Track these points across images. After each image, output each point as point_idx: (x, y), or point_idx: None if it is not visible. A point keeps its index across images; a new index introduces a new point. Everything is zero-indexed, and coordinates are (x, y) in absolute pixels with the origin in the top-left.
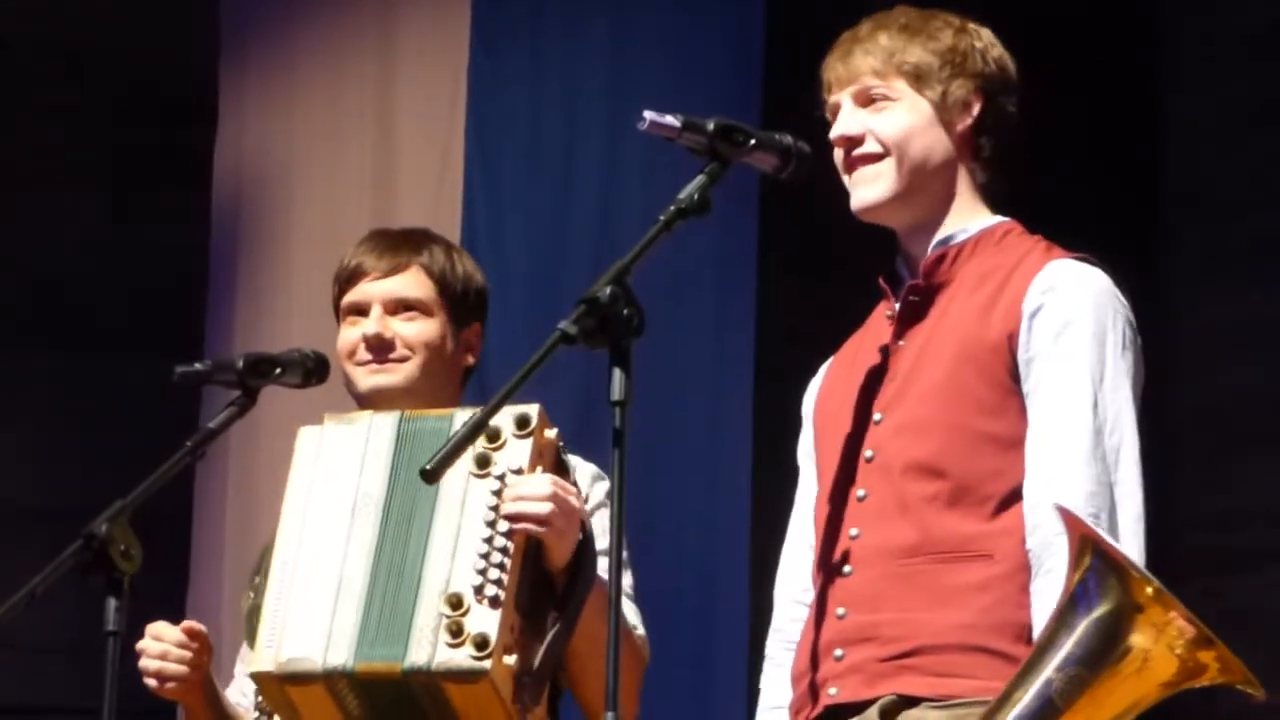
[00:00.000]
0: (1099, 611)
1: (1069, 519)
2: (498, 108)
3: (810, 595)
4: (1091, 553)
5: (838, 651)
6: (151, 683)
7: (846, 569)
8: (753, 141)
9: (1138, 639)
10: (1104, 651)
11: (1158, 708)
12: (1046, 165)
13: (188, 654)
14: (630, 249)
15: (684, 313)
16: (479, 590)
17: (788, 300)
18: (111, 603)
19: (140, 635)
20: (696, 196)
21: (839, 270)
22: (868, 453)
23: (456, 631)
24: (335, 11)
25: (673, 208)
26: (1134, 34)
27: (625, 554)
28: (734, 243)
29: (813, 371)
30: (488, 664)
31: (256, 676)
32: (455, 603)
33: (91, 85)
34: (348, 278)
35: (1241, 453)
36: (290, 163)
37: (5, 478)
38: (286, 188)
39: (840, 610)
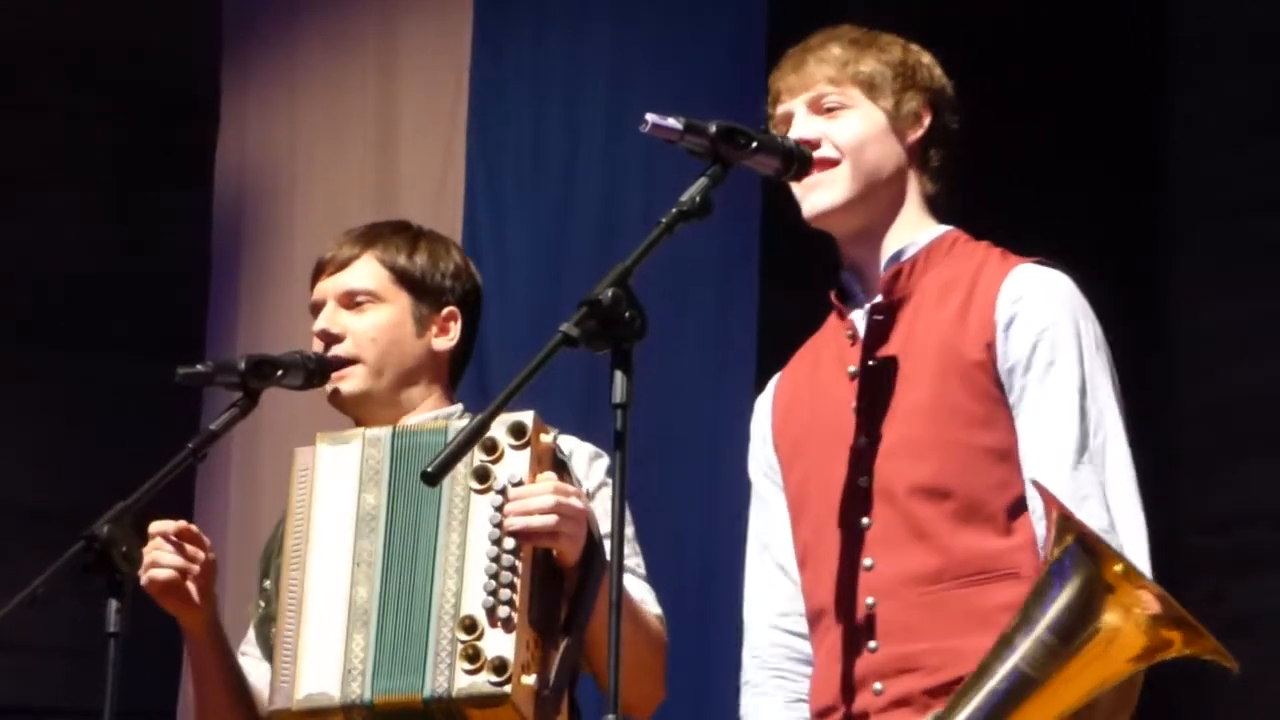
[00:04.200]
0: (1072, 589)
1: (1047, 498)
2: (500, 108)
3: (792, 620)
4: (1070, 532)
5: (877, 685)
6: (148, 575)
7: (869, 600)
8: (754, 144)
9: (1109, 617)
10: (1077, 627)
11: (1159, 707)
12: (1050, 167)
13: (185, 550)
14: (631, 251)
15: (686, 314)
16: (491, 612)
17: (789, 302)
18: (113, 604)
19: (141, 637)
20: (698, 199)
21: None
22: (861, 480)
23: (474, 656)
24: (337, 11)
25: (674, 210)
26: (1138, 33)
27: (630, 530)
28: (736, 245)
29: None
30: (508, 688)
31: (273, 715)
32: (469, 626)
33: (93, 83)
34: (311, 278)
35: (1245, 454)
36: (292, 162)
37: (6, 478)
38: (288, 187)
39: (872, 644)
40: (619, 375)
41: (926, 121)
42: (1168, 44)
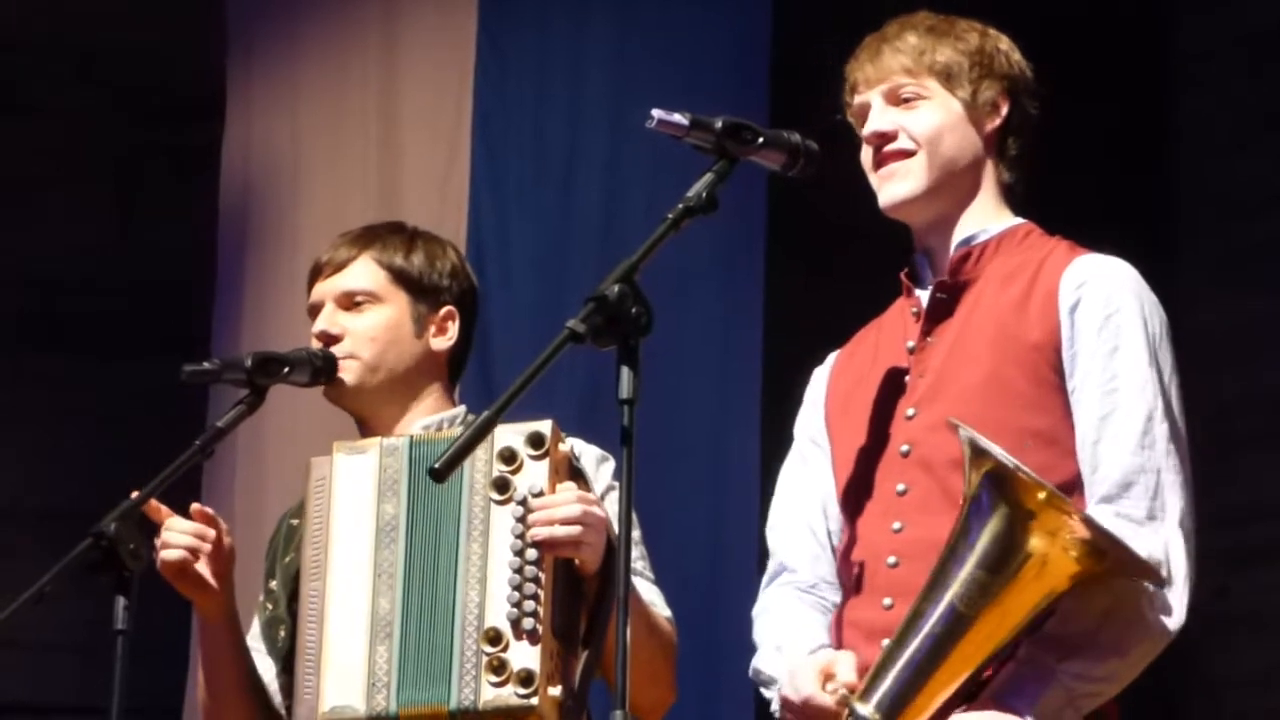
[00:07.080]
0: (994, 522)
1: (960, 435)
2: (503, 106)
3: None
4: (983, 463)
5: (885, 641)
6: (159, 556)
7: (891, 559)
8: (761, 139)
9: (1034, 543)
10: (1004, 559)
11: (1165, 703)
12: (1056, 167)
13: (196, 529)
14: (634, 247)
15: (692, 309)
16: (516, 623)
17: (795, 296)
18: (120, 601)
19: (147, 635)
20: (705, 195)
21: (846, 265)
22: (903, 447)
23: (499, 668)
24: (340, 11)
25: (681, 206)
26: (1143, 35)
27: (637, 532)
28: (742, 239)
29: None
30: (535, 700)
31: None
32: (494, 638)
33: (97, 84)
34: (308, 280)
35: (1250, 451)
36: (296, 161)
37: (13, 477)
38: (292, 186)
39: (887, 600)
40: (625, 371)
41: (1004, 110)
42: (1171, 43)
